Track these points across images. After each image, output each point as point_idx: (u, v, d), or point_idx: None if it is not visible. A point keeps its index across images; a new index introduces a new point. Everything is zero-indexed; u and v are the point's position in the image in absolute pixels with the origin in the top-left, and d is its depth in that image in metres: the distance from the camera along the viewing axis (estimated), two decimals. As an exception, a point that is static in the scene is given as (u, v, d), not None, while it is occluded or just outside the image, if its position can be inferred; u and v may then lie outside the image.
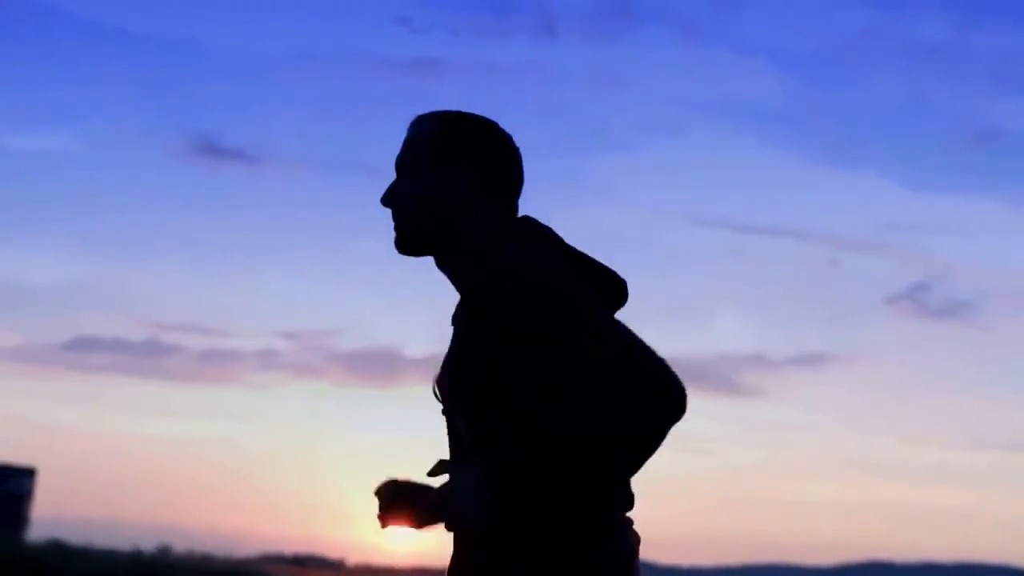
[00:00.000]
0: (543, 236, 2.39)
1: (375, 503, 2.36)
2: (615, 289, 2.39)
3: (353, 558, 26.47)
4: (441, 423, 2.44)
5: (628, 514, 2.33)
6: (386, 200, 2.50)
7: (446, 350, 2.42)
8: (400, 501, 2.34)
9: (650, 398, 2.14)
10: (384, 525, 2.36)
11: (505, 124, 2.52)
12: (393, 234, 2.48)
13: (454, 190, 2.43)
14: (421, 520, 2.33)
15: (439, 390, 2.41)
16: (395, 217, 2.48)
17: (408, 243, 2.47)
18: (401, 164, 2.50)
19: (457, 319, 2.41)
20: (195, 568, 24.12)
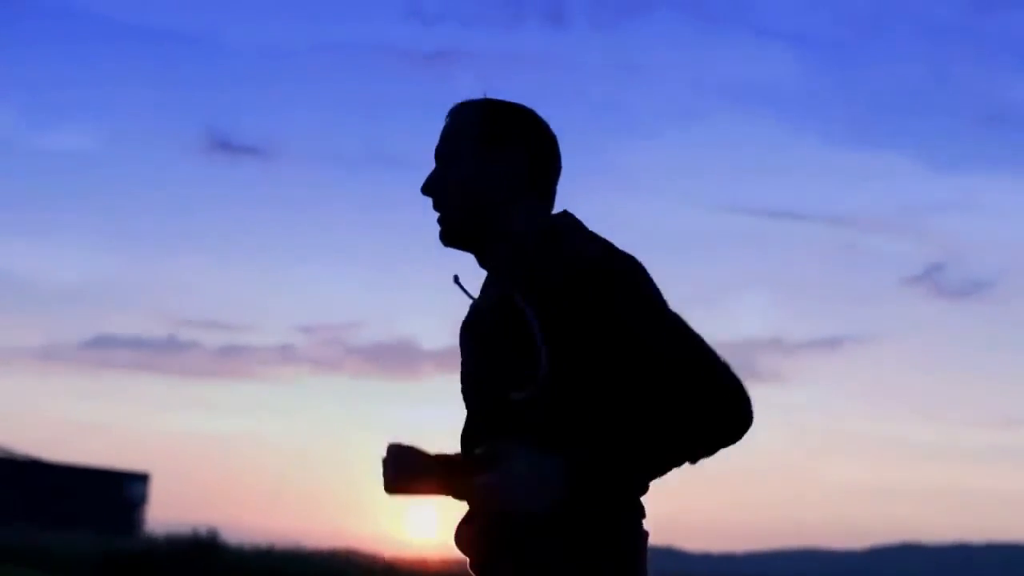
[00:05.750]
0: (585, 230, 2.37)
1: (381, 469, 2.32)
2: None
3: (385, 553, 26.19)
4: (461, 409, 2.43)
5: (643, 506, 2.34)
6: (428, 189, 2.43)
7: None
8: (411, 468, 2.29)
9: (726, 415, 2.19)
10: (392, 492, 2.32)
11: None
12: (437, 226, 2.43)
13: (500, 179, 2.39)
14: (445, 491, 2.30)
15: (472, 377, 2.40)
16: (439, 207, 2.42)
17: (455, 233, 2.42)
18: (443, 152, 2.44)
19: (492, 303, 2.36)
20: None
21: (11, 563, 21.77)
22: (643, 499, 2.31)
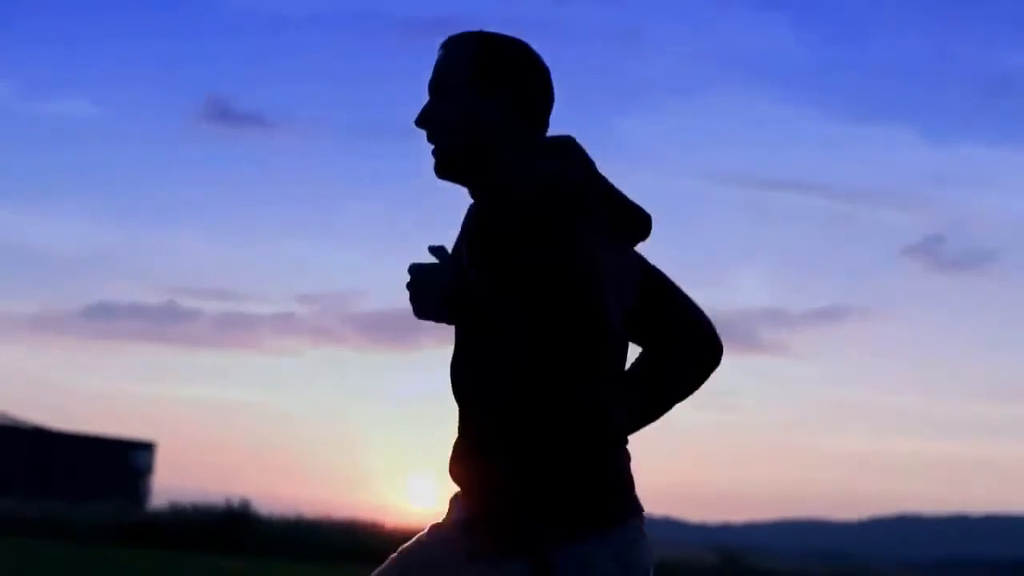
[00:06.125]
0: (569, 152, 2.40)
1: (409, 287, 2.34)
2: (637, 222, 2.43)
3: (385, 521, 26.25)
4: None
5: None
6: (421, 121, 2.46)
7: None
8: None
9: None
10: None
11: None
12: (431, 158, 2.45)
13: (491, 118, 2.41)
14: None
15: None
16: (433, 139, 2.45)
17: (447, 167, 2.44)
18: (437, 85, 2.46)
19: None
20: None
21: (26, 535, 21.41)
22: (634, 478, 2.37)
